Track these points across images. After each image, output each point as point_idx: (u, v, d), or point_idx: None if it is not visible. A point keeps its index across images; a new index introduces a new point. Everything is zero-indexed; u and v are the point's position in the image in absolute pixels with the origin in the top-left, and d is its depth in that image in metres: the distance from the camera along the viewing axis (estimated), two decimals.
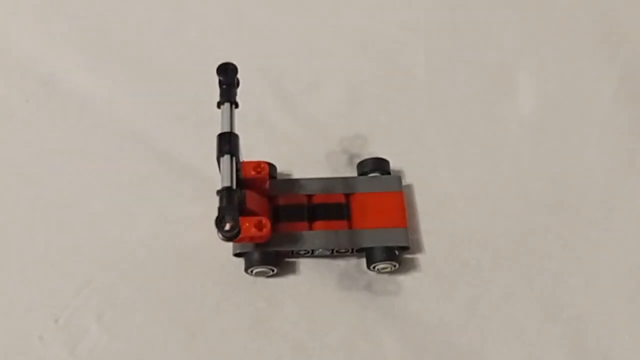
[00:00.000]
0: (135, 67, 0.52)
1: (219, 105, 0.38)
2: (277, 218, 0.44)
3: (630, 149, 0.49)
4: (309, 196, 0.45)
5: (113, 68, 0.52)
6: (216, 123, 0.39)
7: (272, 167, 0.45)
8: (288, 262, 0.45)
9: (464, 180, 0.48)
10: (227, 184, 0.36)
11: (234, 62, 0.39)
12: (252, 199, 0.42)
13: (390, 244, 0.43)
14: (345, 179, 0.47)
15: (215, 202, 0.44)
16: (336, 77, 0.53)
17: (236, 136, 0.38)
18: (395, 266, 0.44)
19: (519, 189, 0.48)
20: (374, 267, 0.44)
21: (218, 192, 0.36)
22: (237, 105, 0.38)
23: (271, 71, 0.52)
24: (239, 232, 0.34)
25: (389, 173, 0.47)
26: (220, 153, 0.36)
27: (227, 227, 0.34)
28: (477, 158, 0.49)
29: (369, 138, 0.50)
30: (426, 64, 0.53)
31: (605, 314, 0.43)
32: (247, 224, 0.40)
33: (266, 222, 0.41)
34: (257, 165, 0.43)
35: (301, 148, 0.49)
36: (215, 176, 0.41)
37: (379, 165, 0.47)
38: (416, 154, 0.49)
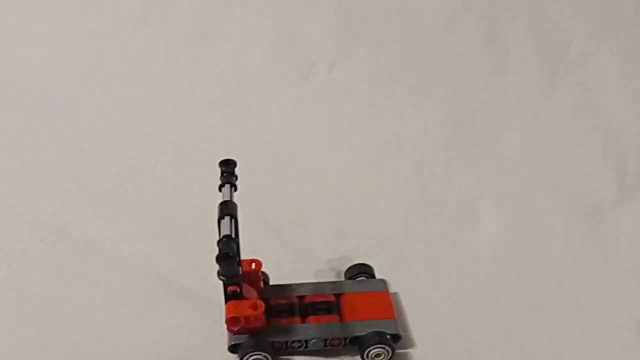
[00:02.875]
0: (140, 213, 0.58)
1: (220, 188, 0.43)
2: (270, 315, 0.46)
3: (589, 256, 0.55)
4: (301, 297, 0.48)
5: (121, 215, 0.57)
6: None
7: (265, 274, 0.49)
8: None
9: (446, 288, 0.52)
10: (227, 232, 0.40)
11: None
12: (247, 289, 0.45)
13: (381, 330, 0.45)
14: (334, 283, 0.51)
15: (211, 313, 0.47)
16: (322, 211, 0.59)
17: (235, 204, 0.42)
18: (389, 353, 0.45)
19: (498, 292, 0.52)
20: (367, 355, 0.45)
21: (218, 241, 0.40)
22: (235, 189, 0.44)
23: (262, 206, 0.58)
24: (238, 271, 0.37)
25: (374, 277, 0.51)
26: (221, 216, 0.41)
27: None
28: (454, 270, 0.54)
29: (354, 259, 0.54)
30: (401, 207, 0.60)
31: None
32: (242, 305, 0.43)
33: (260, 303, 0.44)
34: (252, 261, 0.47)
35: (293, 265, 0.53)
36: (213, 294, 0.47)
37: (365, 269, 0.51)
38: (398, 270, 0.53)
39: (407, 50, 0.72)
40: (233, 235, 0.40)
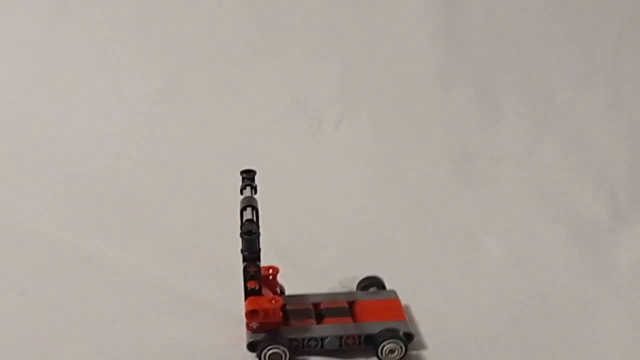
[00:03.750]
0: (159, 238, 0.61)
1: (242, 191, 0.48)
2: (286, 319, 0.49)
3: (591, 272, 0.58)
4: (316, 304, 0.51)
5: (142, 241, 0.61)
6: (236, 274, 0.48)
7: (281, 285, 0.52)
8: None
9: (455, 300, 0.55)
10: (249, 217, 0.44)
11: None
12: (266, 291, 0.48)
13: (394, 327, 0.48)
14: (347, 292, 0.54)
15: (229, 320, 0.50)
16: (333, 240, 0.62)
17: (255, 199, 0.47)
18: (402, 349, 0.47)
19: (506, 302, 0.55)
20: (382, 351, 0.47)
21: (242, 225, 0.44)
22: (255, 191, 0.48)
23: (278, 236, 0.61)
24: (259, 248, 0.42)
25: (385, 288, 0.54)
26: (244, 207, 0.45)
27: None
28: (462, 285, 0.57)
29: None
30: (407, 235, 0.64)
31: None
32: (261, 300, 0.46)
33: (278, 298, 0.48)
34: (270, 267, 0.50)
35: (306, 285, 0.55)
36: (230, 306, 0.51)
37: (376, 281, 0.54)
38: (408, 286, 0.55)
39: (408, 107, 0.78)
40: (254, 220, 0.44)
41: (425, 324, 0.51)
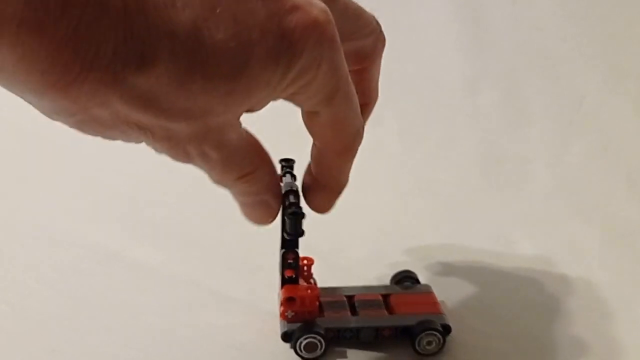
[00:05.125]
0: (186, 238, 0.61)
1: (281, 178, 0.47)
2: (321, 310, 0.48)
3: (627, 269, 0.56)
4: (350, 296, 0.50)
5: (169, 240, 0.60)
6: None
7: (314, 279, 0.50)
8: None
9: (486, 298, 0.54)
10: (293, 201, 0.43)
11: None
12: (301, 281, 0.47)
13: (431, 319, 0.47)
14: (381, 286, 0.52)
15: (261, 315, 0.49)
16: (361, 239, 0.61)
17: (297, 185, 0.45)
18: (440, 341, 0.46)
19: (538, 302, 0.53)
20: (419, 343, 0.46)
21: (287, 206, 0.43)
22: (295, 178, 0.47)
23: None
24: (303, 216, 0.42)
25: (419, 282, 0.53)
26: (287, 192, 0.43)
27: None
28: (493, 285, 0.55)
29: None
30: (437, 236, 0.63)
31: None
32: (298, 288, 0.46)
33: (315, 287, 0.47)
34: (304, 257, 0.49)
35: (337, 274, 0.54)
36: (260, 302, 0.51)
37: (410, 274, 0.53)
38: (440, 284, 0.54)
39: (433, 111, 0.78)
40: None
41: (457, 321, 0.50)
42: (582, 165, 0.69)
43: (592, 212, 0.64)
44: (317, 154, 0.42)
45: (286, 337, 0.46)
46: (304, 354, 0.45)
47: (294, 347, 0.45)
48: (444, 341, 0.46)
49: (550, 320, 0.51)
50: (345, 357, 0.47)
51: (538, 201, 0.66)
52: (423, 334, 0.46)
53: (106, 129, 0.32)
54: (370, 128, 0.78)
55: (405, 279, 0.52)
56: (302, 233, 0.44)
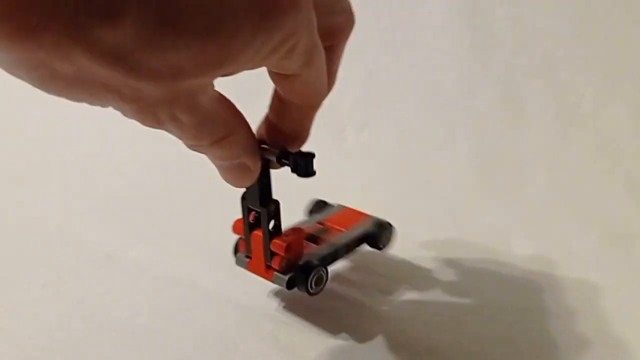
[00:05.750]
0: (180, 238, 0.61)
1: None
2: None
3: (625, 273, 0.56)
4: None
5: (163, 240, 0.60)
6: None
7: None
8: None
9: (483, 302, 0.53)
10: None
11: None
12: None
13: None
14: (308, 219, 0.56)
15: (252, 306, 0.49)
16: None
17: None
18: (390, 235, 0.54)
19: (536, 305, 0.53)
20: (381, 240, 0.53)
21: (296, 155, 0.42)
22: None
23: None
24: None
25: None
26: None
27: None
28: (490, 288, 0.55)
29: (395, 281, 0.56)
30: (434, 239, 0.62)
31: None
32: (282, 238, 0.47)
33: (296, 228, 0.50)
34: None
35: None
36: (254, 303, 0.51)
37: (321, 201, 0.58)
38: (437, 287, 0.55)
39: (431, 112, 0.78)
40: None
41: (455, 322, 0.50)
42: (579, 167, 0.69)
43: (589, 214, 0.64)
44: (286, 109, 0.41)
45: (293, 283, 0.46)
46: (314, 289, 0.47)
47: (305, 287, 0.46)
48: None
49: (548, 322, 0.50)
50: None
51: (535, 202, 0.66)
52: (382, 234, 0.53)
53: (71, 87, 0.30)
54: (368, 129, 0.80)
55: (318, 204, 0.57)
56: (314, 172, 0.43)
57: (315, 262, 0.47)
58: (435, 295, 0.53)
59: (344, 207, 0.57)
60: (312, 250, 0.49)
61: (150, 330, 0.49)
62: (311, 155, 0.42)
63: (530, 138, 0.73)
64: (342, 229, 0.53)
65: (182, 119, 0.33)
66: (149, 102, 0.31)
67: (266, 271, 0.47)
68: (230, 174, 0.41)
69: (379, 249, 0.54)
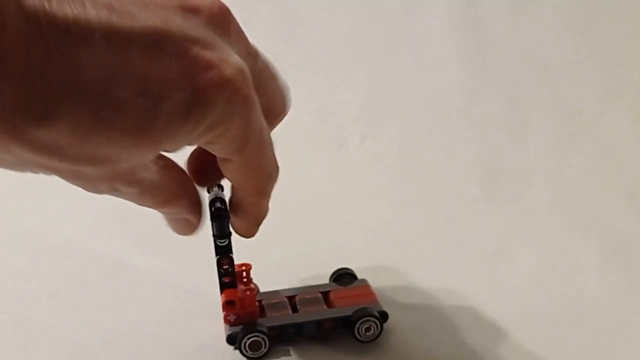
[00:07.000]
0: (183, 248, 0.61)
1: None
2: (263, 311, 0.49)
3: (625, 283, 0.57)
4: (291, 297, 0.51)
5: (167, 250, 0.61)
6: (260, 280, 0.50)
7: (255, 284, 0.52)
8: None
9: (484, 311, 0.54)
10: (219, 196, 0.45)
11: None
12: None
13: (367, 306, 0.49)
14: (321, 284, 0.54)
15: None
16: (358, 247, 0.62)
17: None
18: (377, 326, 0.48)
19: (536, 315, 0.54)
20: (358, 331, 0.48)
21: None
22: (222, 189, 0.47)
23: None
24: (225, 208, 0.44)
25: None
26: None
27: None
28: (491, 298, 0.56)
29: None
30: (435, 249, 0.63)
31: None
32: (236, 291, 0.48)
33: (254, 288, 0.49)
34: (242, 264, 0.51)
35: None
36: None
37: (348, 271, 0.54)
38: (438, 297, 0.55)
39: (433, 121, 0.78)
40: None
41: (454, 333, 0.51)
42: (581, 177, 0.70)
43: (591, 224, 0.64)
44: (235, 191, 0.44)
45: (231, 339, 0.47)
46: (249, 353, 0.47)
47: (239, 348, 0.46)
48: (382, 327, 0.48)
49: (548, 334, 0.51)
50: (289, 355, 0.48)
51: (537, 213, 0.66)
52: (360, 321, 0.47)
53: (13, 167, 0.33)
54: (370, 138, 0.80)
55: (343, 275, 0.54)
56: (229, 234, 0.46)
57: (263, 327, 0.47)
58: (436, 305, 0.54)
59: (366, 284, 0.54)
60: (280, 316, 0.49)
61: (157, 339, 0.50)
62: (222, 217, 0.45)
63: (531, 148, 0.73)
64: (337, 305, 0.50)
65: (123, 190, 0.36)
66: (89, 179, 0.34)
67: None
68: (173, 225, 0.45)
69: (357, 339, 0.48)
